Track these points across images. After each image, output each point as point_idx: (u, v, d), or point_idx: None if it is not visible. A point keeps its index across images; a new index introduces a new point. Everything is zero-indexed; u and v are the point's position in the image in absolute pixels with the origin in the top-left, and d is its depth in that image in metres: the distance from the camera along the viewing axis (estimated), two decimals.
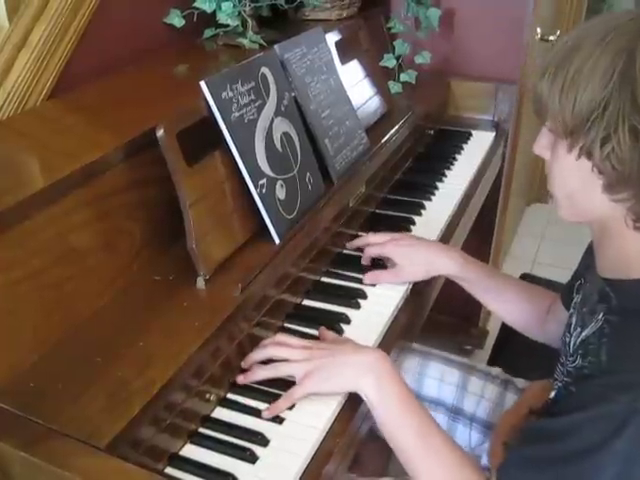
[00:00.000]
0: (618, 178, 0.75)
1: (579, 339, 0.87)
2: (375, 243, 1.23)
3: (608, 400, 0.74)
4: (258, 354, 0.97)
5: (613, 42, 0.74)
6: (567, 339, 0.93)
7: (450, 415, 1.25)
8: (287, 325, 1.09)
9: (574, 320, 0.93)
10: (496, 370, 1.31)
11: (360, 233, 1.37)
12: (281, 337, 1.01)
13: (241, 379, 0.96)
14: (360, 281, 1.20)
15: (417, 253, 1.19)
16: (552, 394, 0.91)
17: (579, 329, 0.89)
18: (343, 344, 1.00)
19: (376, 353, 0.95)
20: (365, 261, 1.24)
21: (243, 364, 0.98)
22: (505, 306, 1.22)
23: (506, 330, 1.67)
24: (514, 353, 1.58)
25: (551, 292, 1.18)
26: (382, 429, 0.92)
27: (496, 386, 1.26)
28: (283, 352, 0.96)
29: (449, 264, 1.19)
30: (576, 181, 0.81)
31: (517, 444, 0.85)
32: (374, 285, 1.20)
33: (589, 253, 0.95)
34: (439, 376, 1.28)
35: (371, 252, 1.23)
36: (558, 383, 0.92)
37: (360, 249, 1.26)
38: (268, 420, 0.91)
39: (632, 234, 0.80)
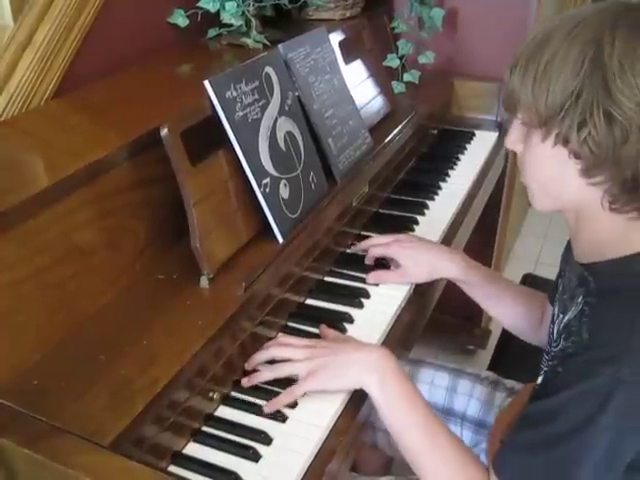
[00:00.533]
0: (595, 161, 0.76)
1: (562, 325, 0.88)
2: (379, 244, 1.23)
3: (592, 375, 0.74)
4: (261, 355, 0.97)
5: (581, 34, 0.75)
6: (551, 329, 0.94)
7: (442, 417, 1.25)
8: (290, 324, 1.10)
9: (556, 309, 0.94)
10: (486, 373, 1.32)
11: (363, 233, 1.37)
12: (283, 338, 1.01)
13: (245, 382, 0.96)
14: (363, 280, 1.20)
15: (421, 255, 1.19)
16: (539, 380, 0.91)
17: (561, 316, 0.90)
18: (345, 342, 1.00)
19: (380, 351, 0.95)
20: (369, 261, 1.24)
21: (246, 366, 0.98)
22: (504, 311, 1.23)
23: (508, 333, 1.67)
24: (516, 356, 1.58)
25: (541, 294, 1.18)
26: (388, 426, 0.92)
27: (485, 387, 1.27)
28: (285, 352, 0.96)
29: (452, 267, 1.19)
30: (551, 169, 0.82)
31: (510, 433, 0.86)
32: (377, 285, 1.20)
33: (568, 249, 0.97)
34: (429, 380, 1.30)
35: (375, 252, 1.23)
36: (544, 368, 0.92)
37: (364, 251, 1.26)
38: (271, 419, 0.91)
39: (606, 216, 0.81)
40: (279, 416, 0.91)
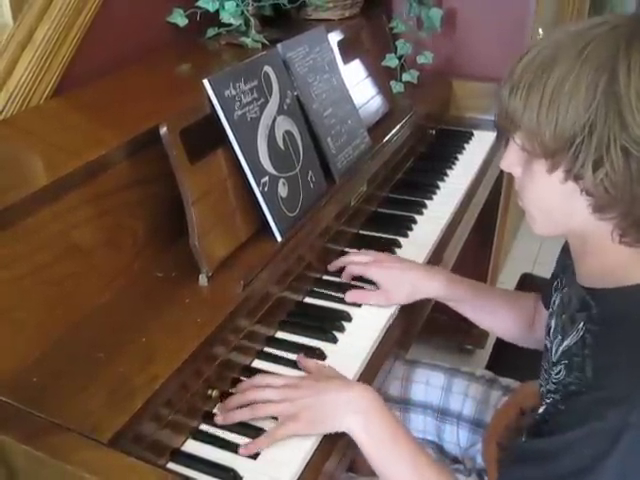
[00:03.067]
0: (610, 201, 0.72)
1: (561, 347, 0.85)
2: (358, 262, 1.19)
3: (598, 417, 0.71)
4: (238, 399, 0.91)
5: (592, 55, 0.70)
6: (548, 344, 0.91)
7: (437, 417, 1.26)
8: (288, 320, 1.10)
9: (553, 324, 0.91)
10: (481, 371, 1.31)
11: (362, 232, 1.37)
12: (260, 378, 0.94)
13: (219, 420, 0.90)
14: (363, 279, 1.20)
15: (401, 276, 1.15)
16: (540, 410, 0.88)
17: (560, 337, 0.87)
18: (327, 380, 0.94)
19: (361, 389, 0.91)
20: (345, 278, 1.19)
21: (223, 407, 0.92)
22: (494, 321, 1.21)
23: None
24: (515, 354, 1.58)
25: (532, 294, 1.17)
26: (373, 466, 0.88)
27: (480, 385, 1.26)
28: (265, 394, 0.91)
29: (434, 287, 1.16)
30: (557, 200, 0.78)
31: (508, 464, 0.83)
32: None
33: (566, 253, 0.92)
34: (425, 380, 1.28)
35: (353, 270, 1.18)
36: (544, 395, 0.89)
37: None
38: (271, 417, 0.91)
39: (614, 247, 0.77)
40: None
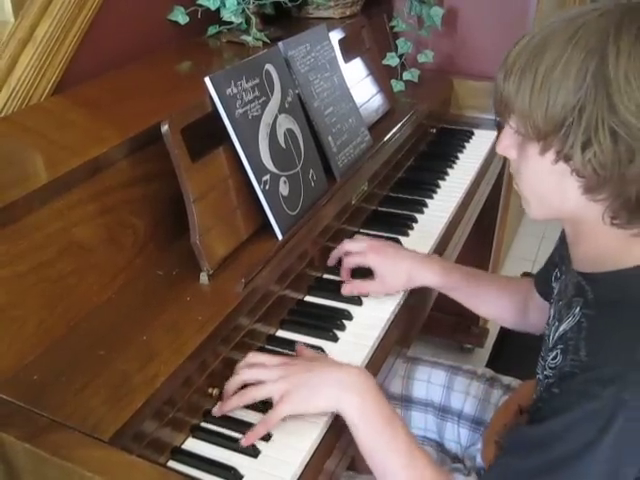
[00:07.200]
0: (599, 181, 0.73)
1: (557, 333, 0.85)
2: (355, 252, 1.19)
3: (592, 397, 0.71)
4: (234, 382, 0.91)
5: (582, 40, 0.71)
6: (547, 331, 0.91)
7: (439, 414, 1.26)
8: (289, 318, 1.10)
9: (552, 312, 0.92)
10: (482, 370, 1.31)
11: (362, 230, 1.37)
12: (253, 357, 0.94)
13: (215, 411, 0.91)
14: (362, 278, 1.20)
15: (399, 264, 1.16)
16: (534, 395, 0.88)
17: (557, 322, 0.87)
18: (322, 361, 0.94)
19: (358, 370, 0.91)
20: (344, 272, 1.19)
21: (224, 394, 0.92)
22: (489, 307, 1.22)
23: (506, 330, 1.68)
24: (514, 353, 1.59)
25: (526, 281, 1.18)
26: (362, 448, 0.87)
27: (481, 383, 1.26)
28: (257, 374, 0.90)
29: (429, 276, 1.17)
30: (550, 183, 0.79)
31: (501, 454, 0.82)
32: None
33: (563, 242, 0.93)
34: (426, 378, 1.29)
35: (351, 261, 1.18)
36: (540, 382, 0.89)
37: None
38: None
39: (606, 230, 0.78)
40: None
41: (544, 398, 0.81)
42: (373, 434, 0.86)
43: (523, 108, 0.75)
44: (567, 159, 0.74)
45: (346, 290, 1.15)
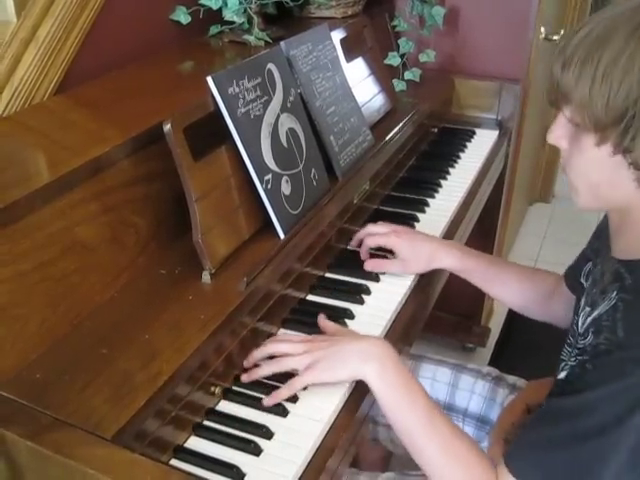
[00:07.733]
0: None
1: (590, 318, 0.86)
2: (376, 233, 1.23)
3: (627, 374, 0.73)
4: (259, 352, 0.97)
5: None
6: (575, 320, 0.92)
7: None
8: (291, 317, 1.10)
9: (582, 302, 0.92)
10: (487, 368, 1.32)
11: None
12: (279, 337, 1.01)
13: (244, 377, 0.96)
14: (364, 277, 1.20)
15: (420, 247, 1.20)
16: (562, 375, 0.89)
17: (588, 309, 0.88)
18: (344, 334, 1.00)
19: (378, 341, 0.95)
20: (364, 249, 1.24)
21: (245, 363, 0.98)
22: (504, 288, 1.23)
23: (508, 330, 1.68)
24: (516, 352, 1.59)
25: (555, 274, 1.19)
26: (388, 416, 0.92)
27: (487, 382, 1.27)
28: (284, 347, 0.96)
29: (449, 259, 1.20)
30: (604, 174, 0.80)
31: (528, 426, 0.84)
32: (377, 281, 1.20)
33: (598, 237, 0.95)
34: (431, 375, 1.30)
35: (372, 242, 1.23)
36: (569, 363, 0.90)
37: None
38: (272, 413, 0.91)
39: None
40: (280, 410, 0.92)
41: (576, 373, 0.83)
42: (394, 397, 0.91)
43: (583, 98, 0.75)
44: (626, 152, 0.75)
45: (368, 266, 1.21)
